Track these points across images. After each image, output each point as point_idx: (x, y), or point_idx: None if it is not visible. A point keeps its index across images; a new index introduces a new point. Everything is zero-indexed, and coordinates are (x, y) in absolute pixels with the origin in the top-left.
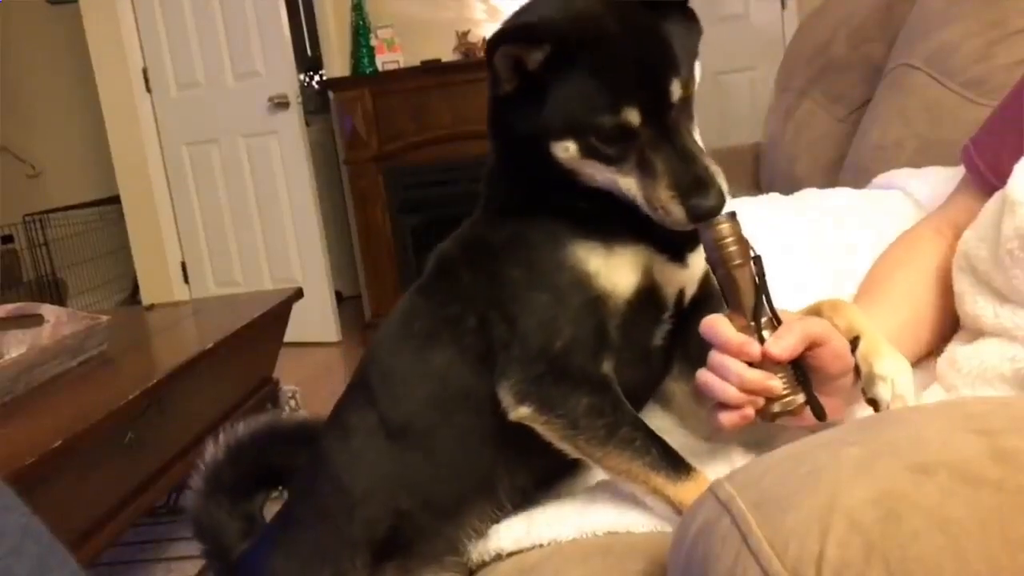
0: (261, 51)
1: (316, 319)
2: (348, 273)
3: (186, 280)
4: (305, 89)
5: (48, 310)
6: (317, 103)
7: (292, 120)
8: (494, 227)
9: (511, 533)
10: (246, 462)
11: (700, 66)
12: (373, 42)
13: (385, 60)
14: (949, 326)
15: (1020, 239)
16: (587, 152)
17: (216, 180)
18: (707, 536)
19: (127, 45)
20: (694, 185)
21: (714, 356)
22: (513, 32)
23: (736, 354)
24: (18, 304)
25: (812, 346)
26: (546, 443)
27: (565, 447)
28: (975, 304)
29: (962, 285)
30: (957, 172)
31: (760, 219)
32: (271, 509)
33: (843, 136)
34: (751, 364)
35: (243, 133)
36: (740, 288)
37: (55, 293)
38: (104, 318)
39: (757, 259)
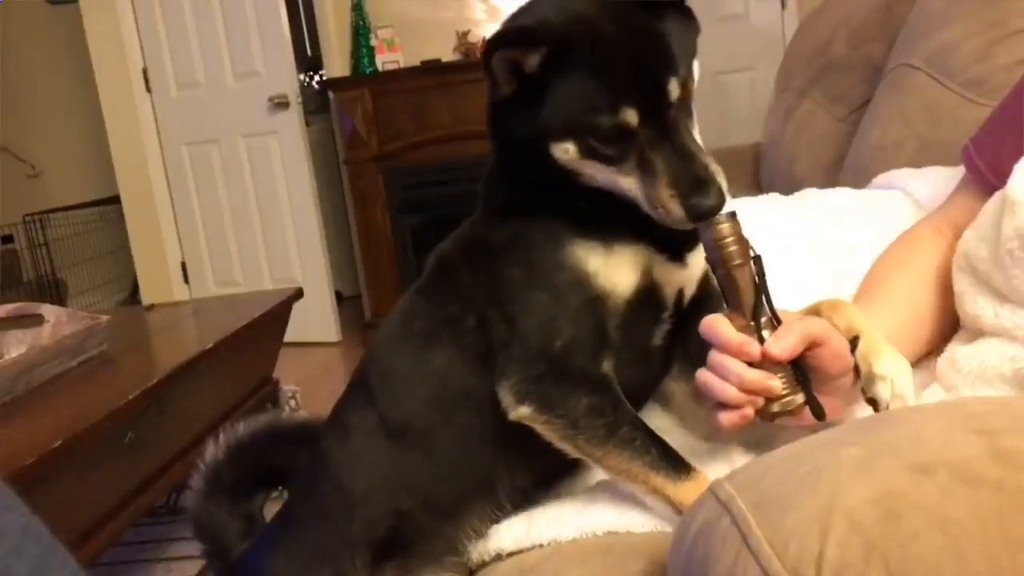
0: (261, 51)
1: (316, 319)
2: (348, 273)
3: (186, 280)
4: (305, 89)
5: (48, 310)
6: (317, 103)
7: (292, 120)
8: (494, 227)
9: (511, 533)
10: (246, 462)
11: (699, 65)
12: (373, 42)
13: (385, 60)
14: (949, 326)
15: (1020, 239)
16: (586, 153)
17: (216, 180)
18: (707, 536)
19: (127, 45)
20: (694, 184)
21: (714, 356)
22: (509, 35)
23: (736, 354)
24: (18, 304)
25: (812, 346)
26: (546, 443)
27: (565, 447)
28: (975, 304)
29: (962, 285)
30: (957, 172)
31: (760, 219)
32: (271, 509)
33: (843, 136)
34: (751, 364)
35: (243, 133)
36: (740, 288)
37: (55, 293)
38: (104, 318)
39: (757, 259)
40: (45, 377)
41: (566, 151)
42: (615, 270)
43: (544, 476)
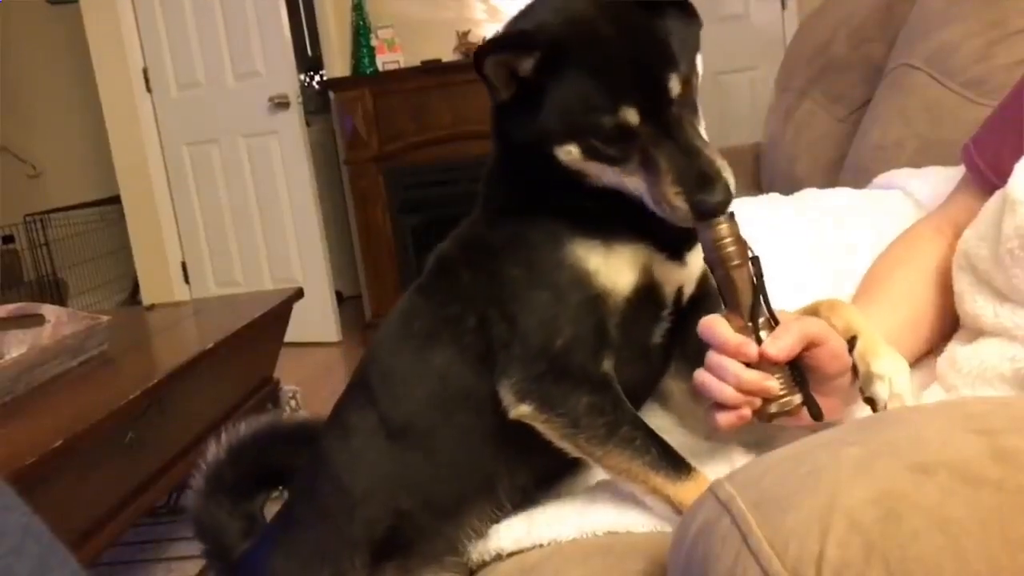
0: (261, 51)
1: (316, 319)
2: (348, 273)
3: (186, 280)
4: (305, 89)
5: (49, 310)
6: (317, 103)
7: (292, 120)
8: (493, 226)
9: (511, 533)
10: (247, 462)
11: (701, 62)
12: (373, 42)
13: (385, 60)
14: (949, 325)
15: (1020, 238)
16: (589, 154)
17: (216, 180)
18: (707, 536)
19: (127, 45)
20: (698, 180)
21: (711, 357)
22: (500, 41)
23: (733, 355)
24: (19, 304)
25: (810, 346)
26: (546, 442)
27: (565, 446)
28: (975, 303)
29: (962, 284)
30: (957, 172)
31: (760, 219)
32: (271, 509)
33: (843, 136)
34: (748, 365)
35: (243, 133)
36: (738, 289)
37: (56, 293)
38: (104, 318)
39: (755, 260)
40: (45, 377)
41: (569, 153)
42: (615, 269)
43: (544, 475)
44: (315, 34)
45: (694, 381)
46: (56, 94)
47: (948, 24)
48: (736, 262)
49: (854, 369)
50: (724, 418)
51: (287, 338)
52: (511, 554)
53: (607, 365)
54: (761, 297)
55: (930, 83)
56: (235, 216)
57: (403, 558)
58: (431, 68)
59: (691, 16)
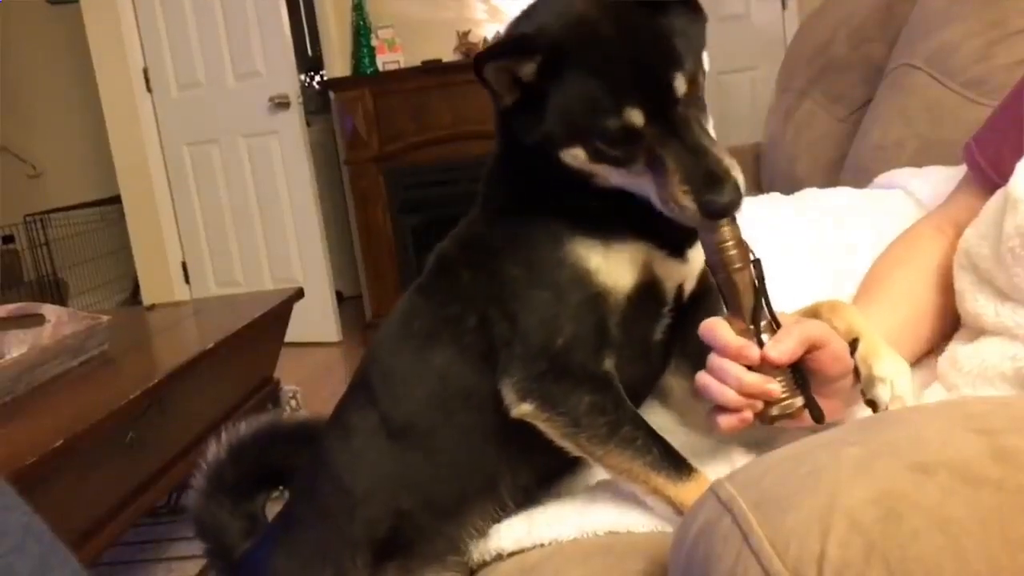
0: (262, 51)
1: (317, 319)
2: (349, 273)
3: (187, 280)
4: (306, 89)
5: (49, 310)
6: (318, 103)
7: (293, 120)
8: (493, 226)
9: (512, 533)
10: (248, 461)
11: (710, 57)
12: (374, 42)
13: (386, 60)
14: (950, 324)
15: (1022, 237)
16: (596, 156)
17: (217, 180)
18: (708, 536)
19: (128, 45)
20: (707, 180)
21: (713, 359)
22: (500, 47)
23: (735, 357)
24: (19, 304)
25: (811, 349)
26: (549, 441)
27: (566, 445)
28: (976, 302)
29: (963, 283)
30: (958, 171)
31: (760, 219)
32: (272, 509)
33: (844, 136)
34: (750, 367)
35: (244, 133)
36: (739, 291)
37: (56, 293)
38: (105, 318)
39: (756, 262)
40: (46, 377)
41: (575, 156)
42: (616, 267)
43: (547, 474)
44: (315, 34)
45: (695, 383)
46: (56, 94)
47: (948, 24)
48: (738, 265)
49: (856, 371)
50: (726, 421)
51: (287, 338)
52: (511, 554)
53: (608, 364)
54: (763, 300)
55: (930, 83)
56: (235, 216)
57: (405, 558)
58: (431, 68)
59: (696, 12)
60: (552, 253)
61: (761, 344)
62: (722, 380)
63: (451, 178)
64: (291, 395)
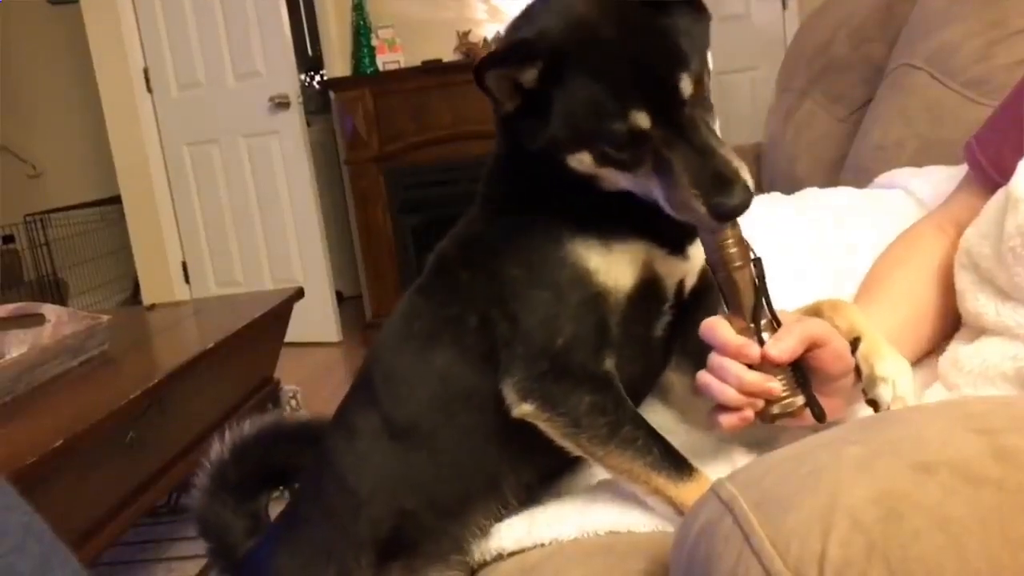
0: (262, 51)
1: (317, 319)
2: (349, 273)
3: (187, 280)
4: (306, 89)
5: (49, 310)
6: (318, 103)
7: (293, 120)
8: (493, 225)
9: (512, 532)
10: (251, 461)
11: (711, 57)
12: (374, 42)
13: (386, 60)
14: (950, 324)
15: (1023, 236)
16: (602, 160)
17: (217, 180)
18: (709, 536)
19: (128, 45)
20: (715, 182)
21: (714, 358)
22: (501, 54)
23: (735, 356)
24: (19, 304)
25: (812, 347)
26: (550, 440)
27: (567, 445)
28: (977, 302)
29: (964, 283)
30: (959, 171)
31: (760, 219)
32: (274, 509)
33: (844, 136)
34: (751, 366)
35: (244, 133)
36: (740, 290)
37: (56, 293)
38: (105, 318)
39: (757, 261)
40: (46, 377)
41: (581, 161)
42: (616, 266)
43: (550, 472)
44: (315, 34)
45: (696, 382)
46: (56, 94)
47: (949, 24)
48: (738, 264)
49: (857, 370)
50: (726, 419)
51: (287, 338)
52: (512, 554)
53: (609, 364)
54: (763, 299)
55: (931, 83)
56: (235, 216)
57: (408, 557)
58: (431, 68)
59: (699, 11)
60: (552, 253)
61: (762, 342)
62: (723, 379)
63: (451, 178)
64: (291, 395)
